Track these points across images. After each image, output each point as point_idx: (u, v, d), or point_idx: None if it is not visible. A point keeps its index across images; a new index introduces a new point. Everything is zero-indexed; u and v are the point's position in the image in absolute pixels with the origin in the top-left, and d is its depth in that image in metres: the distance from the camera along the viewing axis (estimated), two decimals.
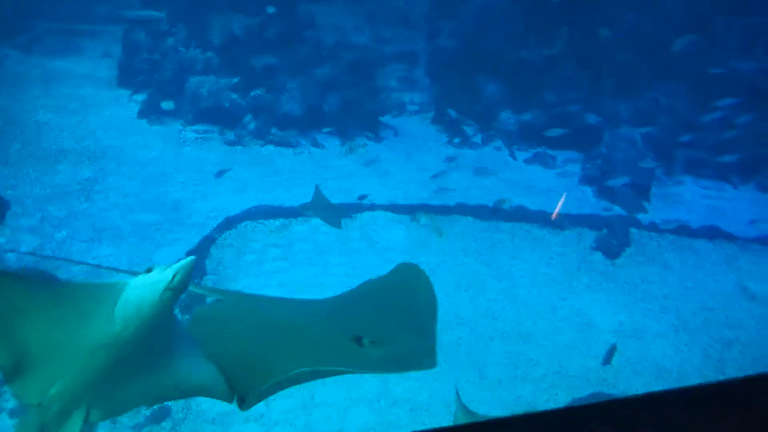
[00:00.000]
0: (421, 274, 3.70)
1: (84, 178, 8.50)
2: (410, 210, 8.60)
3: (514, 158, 11.55)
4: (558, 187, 10.28)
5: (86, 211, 7.65)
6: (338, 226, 7.54)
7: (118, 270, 6.00)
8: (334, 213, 7.56)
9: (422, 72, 15.07)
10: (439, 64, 13.67)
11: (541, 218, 8.65)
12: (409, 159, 10.94)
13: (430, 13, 15.25)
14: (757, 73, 11.72)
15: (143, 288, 2.42)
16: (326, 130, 11.00)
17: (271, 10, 10.98)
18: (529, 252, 7.91)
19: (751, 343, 6.46)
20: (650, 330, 6.50)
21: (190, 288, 2.89)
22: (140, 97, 11.32)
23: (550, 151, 11.64)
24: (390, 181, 9.76)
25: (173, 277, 2.38)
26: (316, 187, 7.55)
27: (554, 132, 10.66)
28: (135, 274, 2.52)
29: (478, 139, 12.07)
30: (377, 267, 7.09)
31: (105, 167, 8.91)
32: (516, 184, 10.31)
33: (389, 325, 3.26)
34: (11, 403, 4.62)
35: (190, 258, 2.47)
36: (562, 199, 9.09)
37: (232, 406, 2.72)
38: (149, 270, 2.47)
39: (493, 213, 8.52)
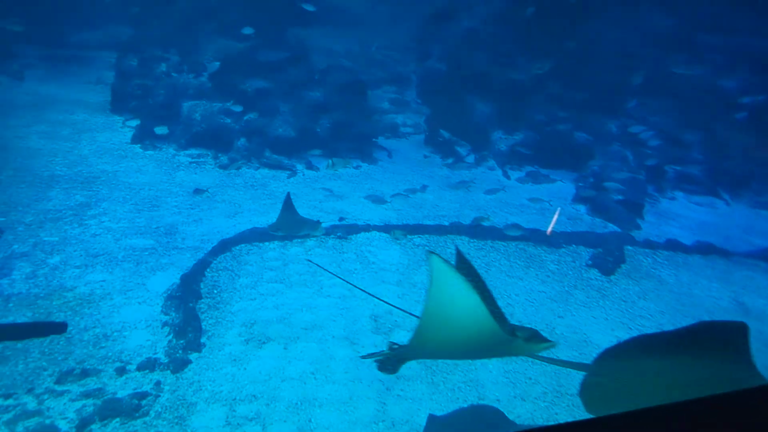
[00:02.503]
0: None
1: (77, 203, 8.46)
2: (405, 230, 8.60)
3: (508, 177, 11.62)
4: (551, 206, 10.33)
5: (79, 236, 7.60)
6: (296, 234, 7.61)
7: None
8: (304, 227, 7.44)
9: (414, 94, 15.24)
10: (430, 86, 13.83)
11: (536, 237, 8.67)
12: (402, 180, 10.98)
13: (420, 36, 15.47)
14: (740, 90, 11.93)
15: None
16: (319, 152, 11.04)
17: (248, 31, 11.07)
18: (525, 270, 7.91)
19: None
20: None
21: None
22: (134, 123, 11.33)
23: (542, 170, 11.73)
24: (384, 201, 9.76)
25: None
26: (284, 203, 7.32)
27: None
28: None
29: (471, 159, 12.15)
30: (373, 287, 7.08)
31: (98, 192, 8.88)
32: (509, 203, 10.35)
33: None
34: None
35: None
36: (556, 215, 9.14)
37: None
38: None
39: (474, 229, 8.56)
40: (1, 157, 9.57)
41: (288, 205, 7.18)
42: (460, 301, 2.84)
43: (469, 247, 8.39)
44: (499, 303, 7.01)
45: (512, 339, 3.09)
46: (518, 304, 7.07)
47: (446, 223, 8.91)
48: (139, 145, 10.86)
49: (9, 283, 6.50)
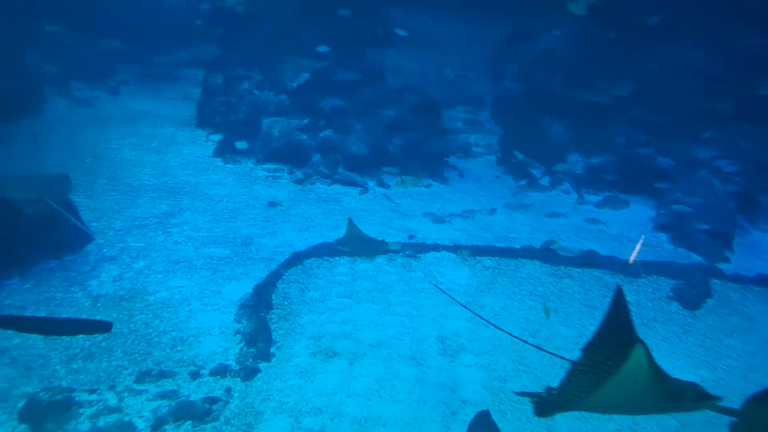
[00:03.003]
0: None
1: (161, 212, 8.93)
2: (474, 251, 8.49)
3: (584, 201, 11.25)
4: (630, 232, 9.90)
5: (162, 243, 8.00)
6: (371, 257, 7.61)
7: None
8: (368, 247, 7.59)
9: (488, 114, 15.12)
10: (504, 106, 13.70)
11: (613, 264, 8.32)
12: (473, 200, 10.87)
13: (496, 56, 15.39)
14: None
15: None
16: (391, 170, 11.14)
17: (322, 49, 11.38)
18: (600, 299, 7.58)
19: None
20: (736, 389, 6.02)
21: None
22: (216, 137, 11.90)
23: (621, 196, 11.28)
24: (454, 220, 9.70)
25: None
26: (350, 220, 7.59)
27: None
28: None
29: (545, 181, 11.88)
30: (439, 308, 7.01)
31: (181, 202, 9.34)
32: (585, 228, 10.01)
33: None
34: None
35: None
36: (640, 244, 8.71)
37: None
38: None
39: (546, 254, 8.32)
40: (97, 166, 10.28)
41: (352, 223, 7.38)
42: (647, 381, 2.78)
43: (541, 272, 8.16)
44: (574, 332, 6.76)
45: (682, 399, 3.03)
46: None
47: (517, 246, 8.72)
48: (220, 159, 11.37)
49: (98, 285, 6.93)
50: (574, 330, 6.84)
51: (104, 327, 6.16)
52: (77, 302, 6.55)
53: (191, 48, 16.37)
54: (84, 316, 6.31)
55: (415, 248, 8.39)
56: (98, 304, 6.55)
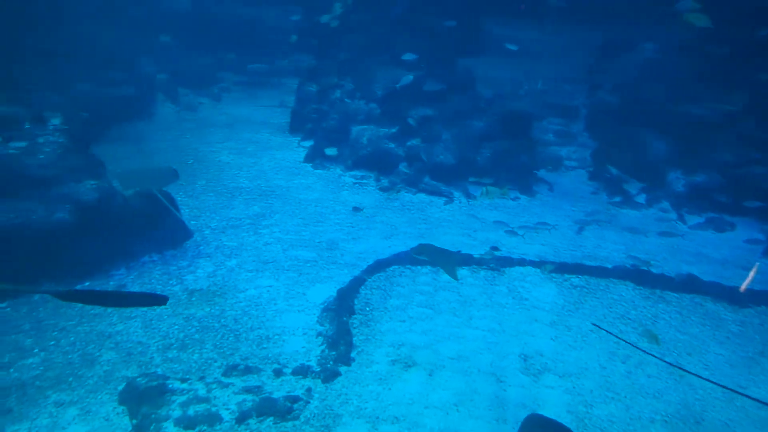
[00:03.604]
0: None
1: (254, 213, 9.34)
2: (561, 268, 8.19)
3: (683, 222, 10.56)
4: (735, 257, 9.16)
5: (253, 243, 8.36)
6: (454, 276, 7.39)
7: None
8: (448, 260, 7.39)
9: (581, 126, 14.59)
10: (599, 119, 13.18)
11: (715, 290, 7.73)
12: (562, 215, 10.50)
13: (592, 67, 14.83)
14: None
15: None
16: (479, 181, 11.01)
17: (409, 57, 11.42)
18: (699, 327, 7.06)
19: None
20: None
21: None
22: (307, 143, 12.31)
23: (727, 217, 10.48)
24: (540, 236, 9.41)
25: None
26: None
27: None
28: None
29: (641, 199, 11.27)
30: (524, 325, 6.81)
31: (272, 205, 9.72)
32: (684, 250, 9.38)
33: None
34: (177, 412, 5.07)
35: None
36: (754, 271, 8.03)
37: None
38: None
39: (641, 276, 7.85)
40: (198, 168, 10.93)
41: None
42: None
43: (634, 294, 7.73)
44: (670, 361, 6.33)
45: None
46: (690, 365, 6.32)
47: (609, 266, 8.31)
48: (310, 164, 11.73)
49: (194, 280, 7.34)
50: (669, 358, 6.41)
51: (160, 300, 6.58)
52: (175, 295, 6.97)
53: (288, 58, 17.06)
54: (180, 309, 6.71)
55: (500, 262, 8.22)
56: (193, 298, 6.94)
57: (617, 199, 11.33)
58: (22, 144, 7.29)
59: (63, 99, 10.68)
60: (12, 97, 7.73)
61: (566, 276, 8.08)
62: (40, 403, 5.19)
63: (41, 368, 5.60)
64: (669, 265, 8.55)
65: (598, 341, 6.63)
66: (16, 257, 6.62)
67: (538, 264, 8.25)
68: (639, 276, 7.98)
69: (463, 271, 7.96)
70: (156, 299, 6.57)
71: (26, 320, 6.29)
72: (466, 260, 8.17)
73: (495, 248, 8.54)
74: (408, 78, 11.30)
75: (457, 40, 12.64)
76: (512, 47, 11.62)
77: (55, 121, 7.81)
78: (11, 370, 5.56)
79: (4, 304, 6.48)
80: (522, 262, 8.26)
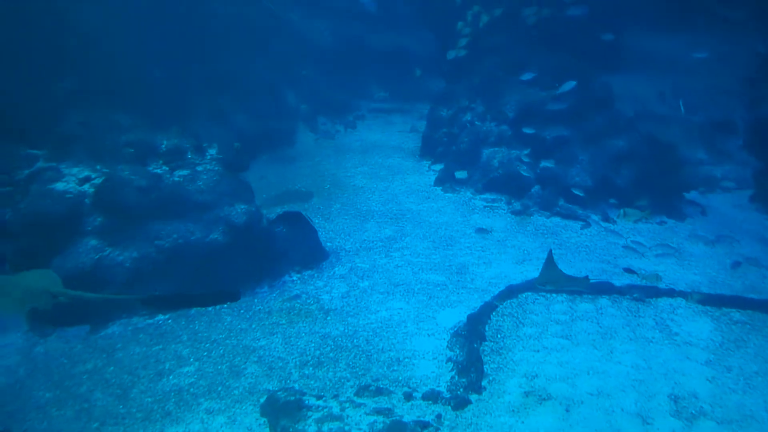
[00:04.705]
0: None
1: (386, 236, 9.56)
2: (719, 301, 7.37)
3: None
4: None
5: (385, 266, 8.55)
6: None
7: None
8: (575, 286, 6.99)
9: (740, 143, 13.13)
10: (763, 135, 11.76)
11: None
12: (717, 241, 9.47)
13: (753, 77, 13.36)
14: None
15: None
16: (618, 203, 10.32)
17: (527, 77, 11.04)
18: None
19: None
20: None
21: None
22: (438, 167, 12.39)
23: None
24: (693, 264, 8.58)
25: None
26: (548, 256, 6.97)
27: None
28: None
29: None
30: (674, 363, 6.21)
31: (403, 228, 9.89)
32: None
33: None
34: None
35: None
36: None
37: None
38: None
39: None
40: (334, 192, 11.47)
41: (550, 259, 6.93)
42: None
43: None
44: None
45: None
46: None
47: None
48: (440, 188, 11.79)
49: (329, 299, 7.66)
50: None
51: (233, 297, 7.06)
52: (312, 314, 7.32)
53: (420, 83, 17.40)
54: (317, 327, 7.02)
55: (644, 291, 7.60)
56: (328, 318, 7.23)
57: None
58: (185, 172, 8.16)
59: (221, 129, 11.82)
60: (180, 130, 8.71)
61: (725, 310, 7.25)
62: (193, 409, 5.69)
63: (195, 377, 6.15)
64: None
65: (765, 387, 5.83)
66: (180, 274, 7.40)
67: (690, 296, 7.50)
68: None
69: (603, 301, 7.46)
70: (229, 296, 7.15)
71: (184, 332, 6.97)
72: (606, 289, 7.66)
73: (657, 276, 7.80)
74: (570, 84, 10.79)
75: (596, 55, 12.06)
76: (700, 55, 11.01)
77: (212, 151, 8.65)
78: (171, 376, 6.17)
79: (166, 316, 7.24)
80: (671, 293, 7.56)
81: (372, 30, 17.86)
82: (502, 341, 6.68)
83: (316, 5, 17.79)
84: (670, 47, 16.32)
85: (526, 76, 11.33)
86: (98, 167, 7.89)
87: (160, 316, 7.16)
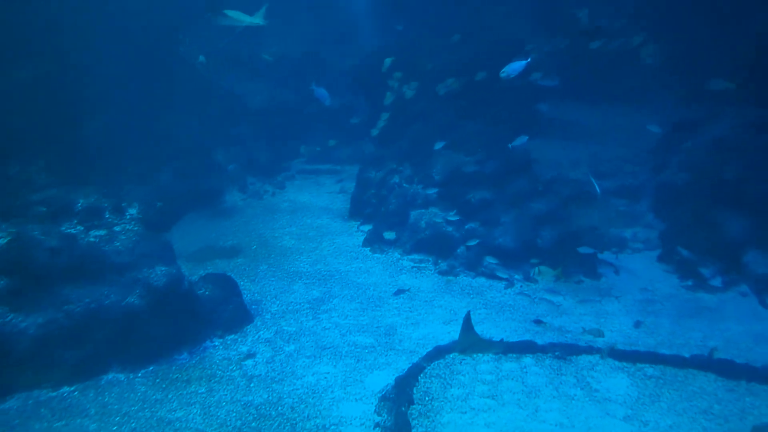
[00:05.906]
0: None
1: (313, 298, 9.42)
2: (635, 357, 7.70)
3: (766, 307, 9.80)
4: None
5: (312, 328, 8.38)
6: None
7: None
8: (493, 349, 7.31)
9: (646, 206, 14.14)
10: (667, 198, 12.75)
11: None
12: (631, 300, 9.99)
13: (657, 147, 14.58)
14: None
15: None
16: (539, 263, 10.72)
17: (439, 146, 11.67)
18: None
19: None
20: None
21: None
22: (366, 228, 12.50)
23: None
24: (609, 322, 8.96)
25: None
26: (465, 319, 7.29)
27: None
28: None
29: (717, 282, 10.60)
30: (596, 419, 6.36)
31: (331, 289, 9.80)
32: None
33: None
34: None
35: None
36: None
37: None
38: None
39: (723, 365, 7.25)
40: (261, 252, 11.27)
41: (468, 324, 7.17)
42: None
43: (716, 386, 7.10)
44: None
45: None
46: None
47: (686, 355, 7.74)
48: (369, 248, 11.85)
49: (253, 365, 7.37)
50: None
51: None
52: (234, 380, 7.00)
53: (352, 146, 17.76)
54: (239, 395, 6.70)
55: (565, 349, 7.83)
56: (251, 384, 6.94)
57: (689, 282, 10.71)
58: (102, 232, 7.80)
59: (145, 188, 11.44)
60: (99, 188, 8.36)
61: (639, 365, 7.57)
62: None
63: None
64: (754, 354, 7.86)
65: None
66: (92, 341, 6.92)
67: (609, 353, 7.79)
68: (721, 366, 7.36)
69: (527, 359, 7.61)
70: None
71: (92, 404, 6.45)
72: (530, 347, 7.84)
73: (599, 331, 8.12)
74: (523, 138, 11.21)
75: (515, 124, 12.79)
76: (654, 129, 12.14)
77: (132, 210, 8.34)
78: None
79: (72, 388, 6.69)
80: (590, 350, 7.83)
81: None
82: (430, 403, 6.63)
83: (254, 70, 18.11)
84: (586, 116, 17.61)
85: (439, 145, 11.95)
86: (3, 226, 7.40)
87: (65, 388, 6.62)
